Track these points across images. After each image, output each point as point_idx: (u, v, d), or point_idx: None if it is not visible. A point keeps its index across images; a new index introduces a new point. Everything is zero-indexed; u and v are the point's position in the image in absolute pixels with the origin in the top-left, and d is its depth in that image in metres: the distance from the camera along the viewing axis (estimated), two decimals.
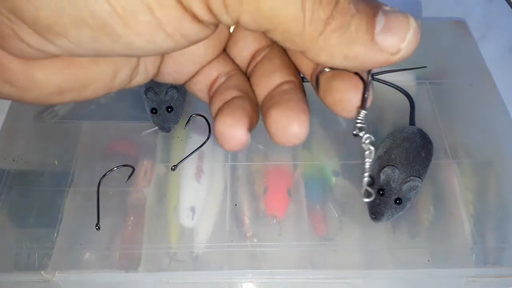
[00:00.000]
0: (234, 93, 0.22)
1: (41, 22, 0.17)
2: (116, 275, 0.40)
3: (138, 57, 0.21)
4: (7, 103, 0.50)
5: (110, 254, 0.40)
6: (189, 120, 0.49)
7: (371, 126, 0.49)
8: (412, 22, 0.18)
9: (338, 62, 0.18)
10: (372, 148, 0.21)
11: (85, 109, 0.50)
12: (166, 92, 0.46)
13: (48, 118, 0.49)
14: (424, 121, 0.49)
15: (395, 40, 0.17)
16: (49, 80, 0.19)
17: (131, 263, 0.40)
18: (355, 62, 0.18)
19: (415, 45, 0.18)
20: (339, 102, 0.21)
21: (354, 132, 0.21)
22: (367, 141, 0.21)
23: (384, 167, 0.41)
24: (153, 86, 0.46)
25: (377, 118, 0.50)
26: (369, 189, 0.20)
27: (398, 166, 0.41)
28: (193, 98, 0.51)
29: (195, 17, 0.17)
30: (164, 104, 0.47)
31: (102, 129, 0.49)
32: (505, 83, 0.53)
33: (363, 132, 0.21)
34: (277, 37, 0.18)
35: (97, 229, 0.41)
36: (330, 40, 0.17)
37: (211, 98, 0.23)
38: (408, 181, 0.40)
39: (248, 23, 0.17)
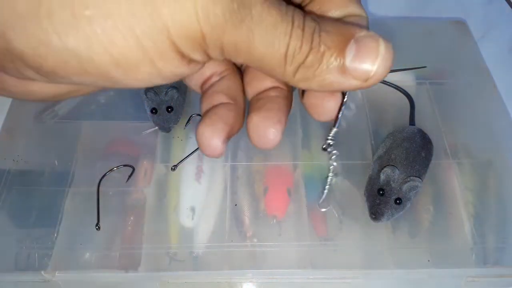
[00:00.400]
0: (221, 98, 0.23)
1: (45, 69, 0.17)
2: (116, 275, 0.40)
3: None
4: (7, 103, 0.50)
5: (110, 254, 0.40)
6: (189, 120, 0.49)
7: (371, 126, 0.49)
8: (382, 49, 0.19)
9: (316, 88, 0.20)
10: (335, 164, 0.23)
11: (85, 109, 0.50)
12: (166, 92, 0.46)
13: (48, 118, 0.49)
14: (424, 121, 0.49)
15: (365, 69, 0.19)
16: (45, 90, 0.20)
17: (131, 263, 0.40)
18: (330, 88, 0.19)
19: (386, 70, 0.19)
20: (314, 106, 0.22)
21: (323, 147, 0.22)
22: (333, 157, 0.22)
23: (384, 167, 0.41)
24: (153, 86, 0.46)
25: (377, 118, 0.50)
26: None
27: (398, 166, 0.41)
28: (193, 98, 0.51)
29: (192, 61, 0.19)
30: (164, 104, 0.47)
31: (102, 129, 0.49)
32: (505, 83, 0.53)
33: (331, 148, 0.22)
34: (262, 71, 0.20)
35: (97, 229, 0.41)
36: (306, 74, 0.19)
37: (202, 97, 0.24)
38: (408, 181, 0.40)
39: (239, 62, 0.20)
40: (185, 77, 0.25)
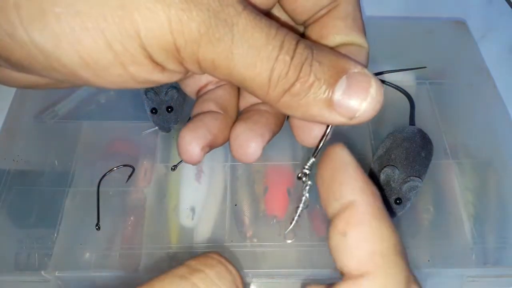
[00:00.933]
0: (211, 106, 0.22)
1: (12, 61, 0.17)
2: (116, 275, 0.40)
3: None
4: (7, 103, 0.50)
5: (110, 254, 0.40)
6: (189, 120, 0.49)
7: (371, 126, 0.49)
8: (372, 90, 0.18)
9: (299, 117, 0.19)
10: (307, 195, 0.22)
11: (85, 109, 0.50)
12: (166, 92, 0.46)
13: (48, 118, 0.49)
14: (424, 121, 0.49)
15: (352, 108, 0.18)
16: (26, 78, 0.20)
17: (131, 263, 0.40)
18: (313, 120, 0.19)
19: (374, 112, 0.18)
20: (298, 128, 0.22)
21: (298, 175, 0.22)
22: (307, 187, 0.21)
23: (384, 167, 0.41)
24: (153, 86, 0.46)
25: (377, 118, 0.50)
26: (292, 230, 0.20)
27: (398, 166, 0.41)
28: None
29: (167, 70, 0.18)
30: (164, 104, 0.47)
31: (102, 129, 0.49)
32: (505, 83, 0.53)
33: (305, 179, 0.22)
34: (246, 91, 0.19)
35: (97, 229, 0.41)
36: (290, 102, 0.18)
37: (194, 103, 0.24)
38: (408, 181, 0.40)
39: (220, 79, 0.19)
40: (180, 83, 0.25)
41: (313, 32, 0.22)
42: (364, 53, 0.21)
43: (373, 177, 0.42)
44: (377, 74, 0.52)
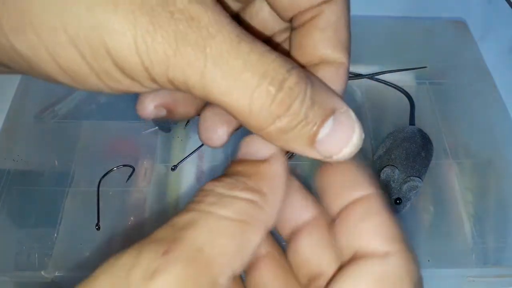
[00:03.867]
0: None
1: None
2: None
3: None
4: (7, 103, 0.50)
5: (110, 254, 0.40)
6: (189, 120, 0.49)
7: (371, 126, 0.49)
8: (355, 137, 0.18)
9: (275, 144, 0.18)
10: None
11: (85, 109, 0.50)
12: None
13: (48, 118, 0.49)
14: (424, 121, 0.49)
15: (332, 150, 0.18)
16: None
17: None
18: (290, 150, 0.18)
19: (350, 156, 0.18)
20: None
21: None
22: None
23: (384, 167, 0.41)
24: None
25: (377, 118, 0.50)
26: None
27: (398, 166, 0.41)
28: None
29: (145, 85, 0.18)
30: None
31: (102, 129, 0.49)
32: (505, 83, 0.53)
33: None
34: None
35: (97, 229, 0.41)
36: (272, 134, 0.17)
37: None
38: (408, 181, 0.40)
39: (197, 97, 0.18)
40: None
41: (297, 38, 0.21)
42: (342, 72, 0.20)
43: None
44: (377, 74, 0.52)
